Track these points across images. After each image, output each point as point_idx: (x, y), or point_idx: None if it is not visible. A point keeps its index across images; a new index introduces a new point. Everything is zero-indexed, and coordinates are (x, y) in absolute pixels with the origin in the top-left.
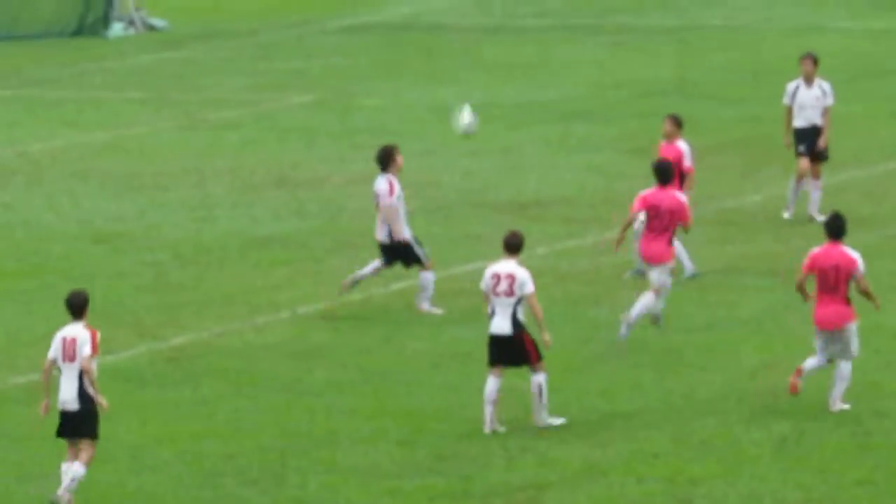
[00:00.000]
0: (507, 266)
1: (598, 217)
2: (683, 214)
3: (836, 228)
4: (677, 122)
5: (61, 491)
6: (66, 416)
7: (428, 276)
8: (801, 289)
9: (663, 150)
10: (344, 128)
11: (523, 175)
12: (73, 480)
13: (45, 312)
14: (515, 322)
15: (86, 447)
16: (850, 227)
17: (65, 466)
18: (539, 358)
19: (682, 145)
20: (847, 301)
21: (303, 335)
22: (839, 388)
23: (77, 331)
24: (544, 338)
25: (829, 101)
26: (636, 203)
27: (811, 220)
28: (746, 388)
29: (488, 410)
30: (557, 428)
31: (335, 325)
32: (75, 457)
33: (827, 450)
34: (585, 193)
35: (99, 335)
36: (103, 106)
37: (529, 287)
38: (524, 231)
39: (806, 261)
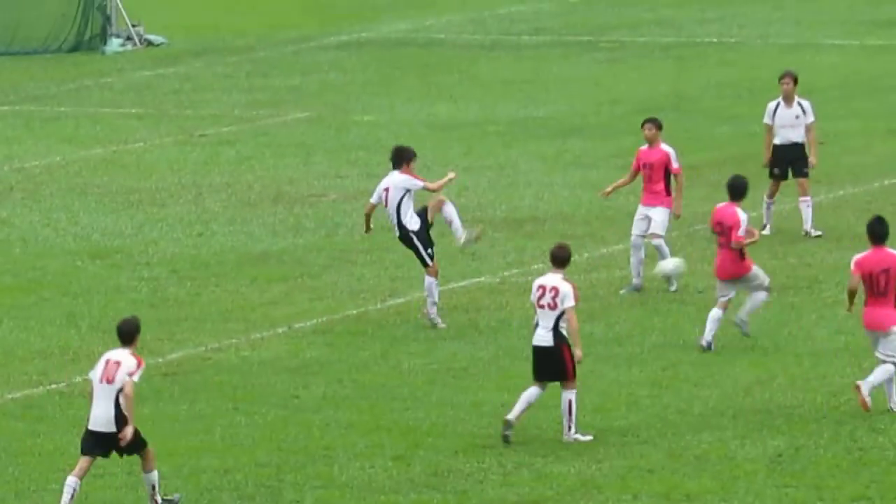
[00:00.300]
0: (552, 279)
1: (594, 233)
2: (733, 231)
3: (880, 232)
4: (659, 126)
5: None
6: (98, 437)
7: (429, 281)
8: (852, 295)
9: (646, 155)
10: (340, 144)
11: (519, 191)
12: (154, 488)
13: (41, 328)
14: (557, 334)
15: (143, 456)
16: (845, 244)
17: (70, 480)
18: (574, 376)
19: (667, 147)
20: (895, 304)
21: (299, 351)
22: (891, 389)
23: (123, 356)
24: (576, 352)
25: (810, 119)
26: (712, 220)
27: (806, 235)
28: (742, 403)
29: (519, 408)
30: (581, 443)
31: (331, 341)
32: (83, 473)
33: (822, 466)
34: (581, 210)
35: (144, 365)
36: (101, 121)
37: (570, 301)
38: (519, 247)
39: (853, 267)
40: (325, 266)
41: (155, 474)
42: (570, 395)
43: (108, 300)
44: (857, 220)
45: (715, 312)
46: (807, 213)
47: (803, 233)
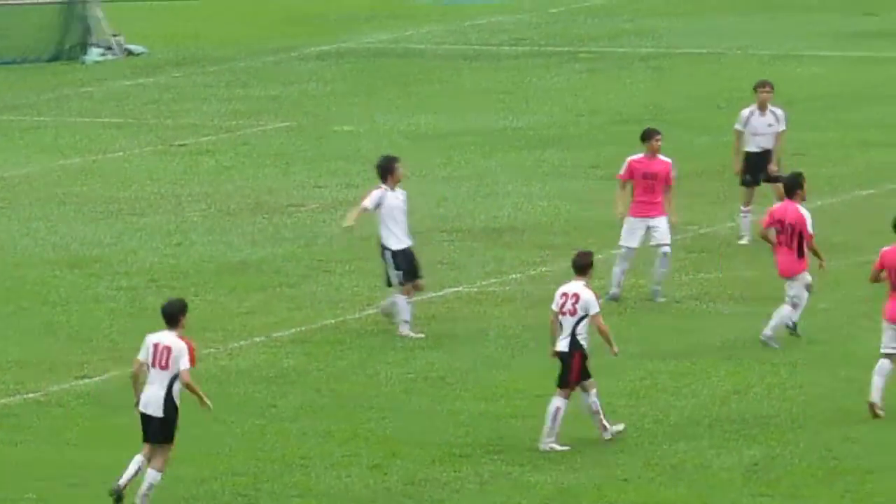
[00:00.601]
0: (574, 286)
1: (572, 243)
2: (803, 228)
3: None
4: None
5: (138, 499)
6: (147, 420)
7: (397, 300)
8: (876, 281)
9: (646, 165)
10: (319, 154)
11: (498, 201)
12: (150, 487)
13: (19, 337)
14: (573, 341)
15: (162, 452)
16: (822, 253)
17: (138, 457)
18: (574, 387)
19: (667, 158)
20: None
21: (277, 360)
22: None
23: (171, 339)
24: (613, 350)
25: (782, 127)
26: (765, 219)
27: None
28: (718, 413)
29: (597, 420)
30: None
31: (309, 350)
32: (148, 454)
33: (797, 475)
34: (559, 220)
35: (195, 347)
36: (80, 131)
37: (594, 308)
38: (498, 257)
39: (877, 259)
40: (304, 275)
41: (160, 477)
42: (559, 402)
43: (87, 310)
44: (833, 230)
45: (784, 309)
46: None
47: None
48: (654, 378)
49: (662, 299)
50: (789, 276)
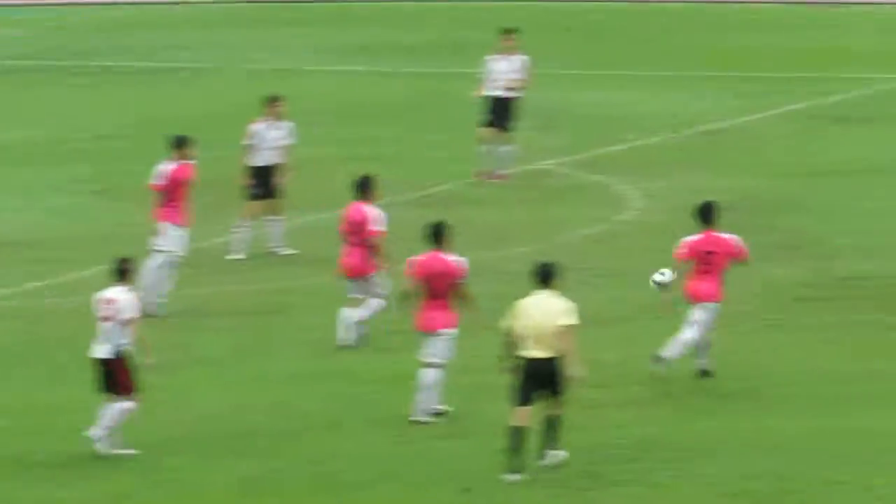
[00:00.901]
0: (113, 292)
1: (64, 258)
2: (369, 226)
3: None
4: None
5: None
6: None
7: None
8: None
9: (182, 171)
10: None
11: None
12: None
13: None
14: (116, 347)
15: None
16: (319, 267)
17: None
18: (125, 393)
19: (189, 164)
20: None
21: None
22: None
23: None
24: (147, 359)
25: (290, 140)
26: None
27: (272, 254)
28: (215, 427)
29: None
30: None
31: None
32: None
33: (291, 488)
34: (51, 235)
35: None
36: None
37: (131, 312)
38: None
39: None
40: None
41: None
42: (123, 405)
43: None
44: (323, 245)
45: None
46: (276, 230)
47: (270, 251)
48: (150, 392)
49: (164, 312)
50: (355, 276)
